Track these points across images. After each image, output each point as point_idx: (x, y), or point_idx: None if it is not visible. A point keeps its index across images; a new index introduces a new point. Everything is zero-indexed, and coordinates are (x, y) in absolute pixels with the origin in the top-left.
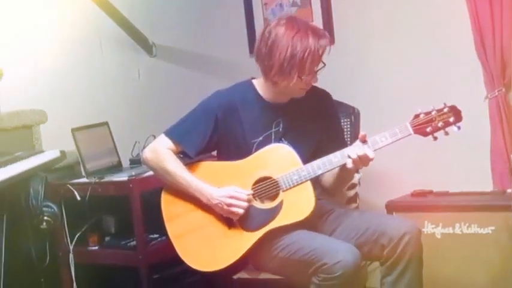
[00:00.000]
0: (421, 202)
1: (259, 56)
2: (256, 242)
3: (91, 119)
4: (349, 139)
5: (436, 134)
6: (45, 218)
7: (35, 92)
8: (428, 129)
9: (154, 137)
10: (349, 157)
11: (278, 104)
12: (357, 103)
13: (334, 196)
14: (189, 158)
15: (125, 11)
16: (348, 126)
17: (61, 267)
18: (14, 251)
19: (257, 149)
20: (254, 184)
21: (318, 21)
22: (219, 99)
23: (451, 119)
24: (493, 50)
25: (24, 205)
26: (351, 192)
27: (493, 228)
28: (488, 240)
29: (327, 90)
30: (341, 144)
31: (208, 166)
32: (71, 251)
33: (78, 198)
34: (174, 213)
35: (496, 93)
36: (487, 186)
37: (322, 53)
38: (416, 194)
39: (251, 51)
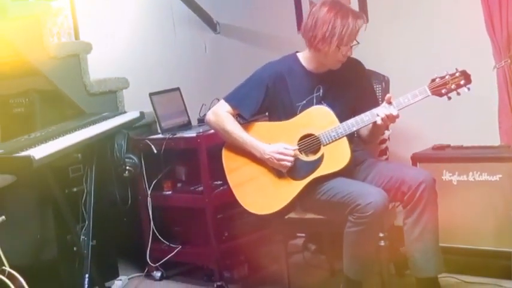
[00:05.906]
0: (441, 154)
1: (305, 29)
2: (302, 189)
3: (165, 85)
4: (380, 102)
5: (449, 95)
6: (127, 167)
7: (119, 62)
8: (443, 91)
9: (218, 100)
10: (378, 115)
11: (318, 73)
12: (387, 72)
13: (369, 145)
14: (245, 120)
15: None
16: (380, 91)
17: (140, 209)
18: (101, 195)
19: (301, 111)
20: (299, 140)
21: (354, 4)
22: (269, 70)
23: (462, 82)
24: (500, 26)
25: (109, 157)
26: (382, 146)
27: (500, 176)
28: (496, 186)
29: (362, 61)
30: (373, 103)
31: (260, 126)
32: (149, 195)
33: (155, 151)
34: (233, 167)
35: (503, 64)
36: (495, 141)
37: (358, 30)
38: (437, 148)
39: (299, 28)
